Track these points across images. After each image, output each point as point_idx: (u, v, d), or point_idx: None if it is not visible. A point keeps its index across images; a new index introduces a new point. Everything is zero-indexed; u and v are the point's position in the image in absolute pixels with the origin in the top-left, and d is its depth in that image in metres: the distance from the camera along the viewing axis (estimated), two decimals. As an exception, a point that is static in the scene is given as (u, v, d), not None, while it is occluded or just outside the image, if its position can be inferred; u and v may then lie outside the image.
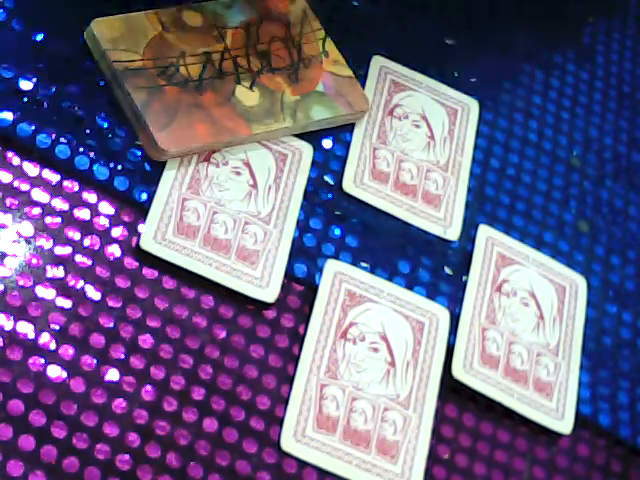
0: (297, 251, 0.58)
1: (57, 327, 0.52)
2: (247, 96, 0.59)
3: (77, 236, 0.54)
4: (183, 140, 0.56)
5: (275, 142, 0.60)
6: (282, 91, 0.60)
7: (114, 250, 0.55)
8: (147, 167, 0.57)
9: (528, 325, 0.61)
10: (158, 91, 0.57)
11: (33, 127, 0.56)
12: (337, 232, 0.60)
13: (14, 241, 0.53)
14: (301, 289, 0.58)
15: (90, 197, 0.56)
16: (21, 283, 0.52)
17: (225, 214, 0.57)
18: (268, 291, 0.56)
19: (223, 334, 0.55)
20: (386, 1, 0.70)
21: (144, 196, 0.56)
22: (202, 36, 0.60)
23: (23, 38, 0.58)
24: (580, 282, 0.64)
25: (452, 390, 0.58)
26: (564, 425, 0.59)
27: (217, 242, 0.56)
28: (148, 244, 0.55)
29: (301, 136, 0.61)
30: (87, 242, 0.54)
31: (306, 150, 0.61)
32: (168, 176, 0.57)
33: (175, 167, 0.57)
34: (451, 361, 0.58)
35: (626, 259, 0.67)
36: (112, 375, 0.52)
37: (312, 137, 0.62)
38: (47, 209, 0.54)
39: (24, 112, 0.56)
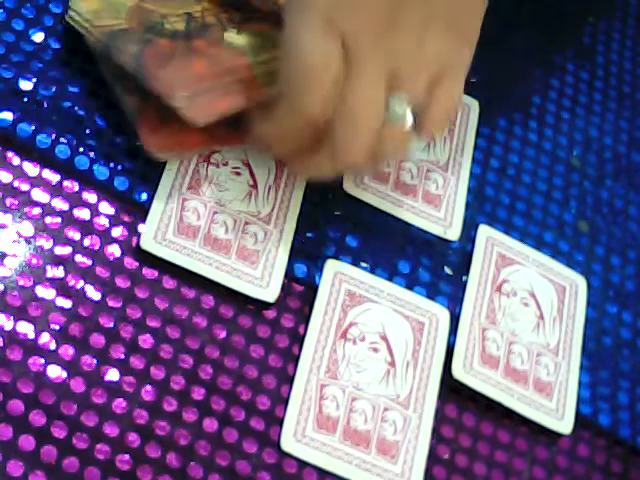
0: (297, 251, 0.58)
1: (57, 327, 0.52)
2: (237, 39, 0.58)
3: (77, 236, 0.54)
4: (173, 146, 0.56)
5: None
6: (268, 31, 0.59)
7: (114, 250, 0.55)
8: (147, 167, 0.57)
9: (528, 325, 0.61)
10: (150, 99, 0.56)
11: (33, 127, 0.56)
12: (337, 232, 0.60)
13: (14, 241, 0.53)
14: (301, 289, 0.58)
15: (90, 197, 0.56)
16: (21, 283, 0.52)
17: (225, 214, 0.57)
18: (268, 291, 0.56)
19: (223, 334, 0.55)
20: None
21: (144, 196, 0.56)
22: (179, 2, 0.59)
23: (23, 38, 0.59)
24: (580, 282, 0.64)
25: (452, 390, 0.58)
26: (564, 425, 0.59)
27: (217, 242, 0.56)
28: (148, 244, 0.55)
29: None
30: (87, 242, 0.54)
31: None
32: (168, 176, 0.57)
33: (175, 167, 0.57)
34: (451, 361, 0.58)
35: (626, 259, 0.67)
36: (112, 375, 0.52)
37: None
38: (47, 209, 0.54)
39: (24, 112, 0.56)
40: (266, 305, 0.56)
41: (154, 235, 0.55)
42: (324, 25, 0.50)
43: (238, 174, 0.59)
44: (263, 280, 0.56)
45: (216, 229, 0.56)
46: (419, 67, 0.53)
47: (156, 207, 0.56)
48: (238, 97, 0.56)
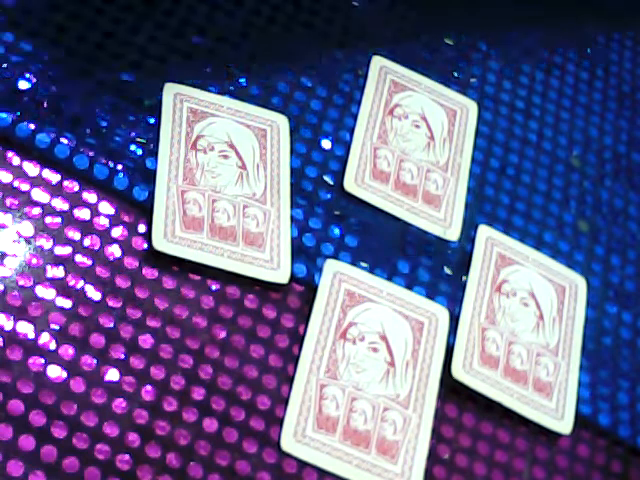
0: (297, 251, 0.58)
1: (57, 327, 0.52)
2: None
3: (77, 236, 0.54)
4: None
5: (251, 119, 0.61)
6: None
7: (114, 250, 0.55)
8: (147, 165, 0.57)
9: (528, 325, 0.61)
10: None
11: (33, 127, 0.56)
12: (336, 232, 0.60)
13: (14, 241, 0.53)
14: (301, 289, 0.58)
15: (90, 197, 0.56)
16: (21, 283, 0.52)
17: (224, 200, 0.57)
18: (280, 272, 0.56)
19: (223, 334, 0.55)
20: (386, 1, 0.70)
21: (144, 195, 0.56)
22: None
23: (22, 38, 0.59)
24: (580, 282, 0.64)
25: (452, 390, 0.58)
26: (564, 425, 0.59)
27: (223, 230, 0.56)
28: (161, 245, 0.54)
29: (297, 131, 0.62)
30: (87, 242, 0.54)
31: (281, 121, 0.61)
32: (162, 170, 0.57)
33: (167, 158, 0.57)
34: (451, 361, 0.58)
35: (626, 259, 0.67)
36: (112, 375, 0.52)
37: (311, 137, 0.62)
38: (47, 209, 0.54)
39: (24, 112, 0.56)
40: (266, 304, 0.56)
41: (164, 234, 0.55)
42: None
43: (226, 157, 0.59)
44: (273, 262, 0.56)
45: (219, 217, 0.57)
46: None
47: (159, 204, 0.56)
48: None
